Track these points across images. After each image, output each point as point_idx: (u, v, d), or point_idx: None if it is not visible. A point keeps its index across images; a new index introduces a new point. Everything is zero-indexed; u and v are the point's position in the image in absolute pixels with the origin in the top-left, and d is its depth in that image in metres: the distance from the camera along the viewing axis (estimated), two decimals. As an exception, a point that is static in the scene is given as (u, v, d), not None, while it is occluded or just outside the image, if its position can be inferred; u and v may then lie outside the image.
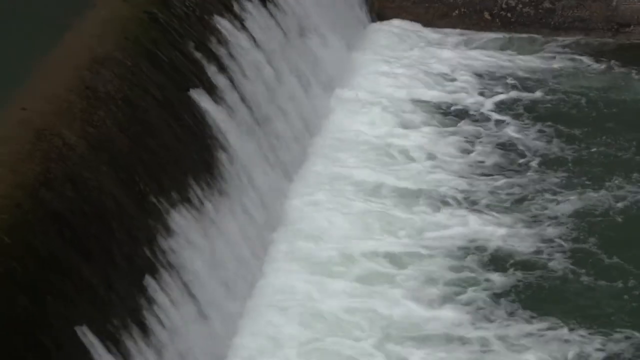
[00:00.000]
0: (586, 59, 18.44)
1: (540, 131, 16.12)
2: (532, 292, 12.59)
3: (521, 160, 15.39)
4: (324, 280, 12.42)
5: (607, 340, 11.73)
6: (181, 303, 10.68)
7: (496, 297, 12.45)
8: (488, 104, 16.94)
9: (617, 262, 13.04)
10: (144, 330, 9.96)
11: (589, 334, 11.83)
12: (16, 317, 8.67)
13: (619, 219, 13.96)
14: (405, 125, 16.05)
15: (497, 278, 12.72)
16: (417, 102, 16.77)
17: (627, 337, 11.76)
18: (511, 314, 12.16)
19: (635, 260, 13.01)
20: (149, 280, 10.36)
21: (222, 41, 13.99)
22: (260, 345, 11.31)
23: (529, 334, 11.87)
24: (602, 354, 11.55)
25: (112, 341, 9.46)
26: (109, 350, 9.36)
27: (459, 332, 11.83)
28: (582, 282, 12.73)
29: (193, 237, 11.35)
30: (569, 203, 14.21)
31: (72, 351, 9.00)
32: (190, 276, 10.99)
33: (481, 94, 17.21)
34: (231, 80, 13.63)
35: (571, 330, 11.87)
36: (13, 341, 8.50)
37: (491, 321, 12.02)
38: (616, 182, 14.68)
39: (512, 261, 13.09)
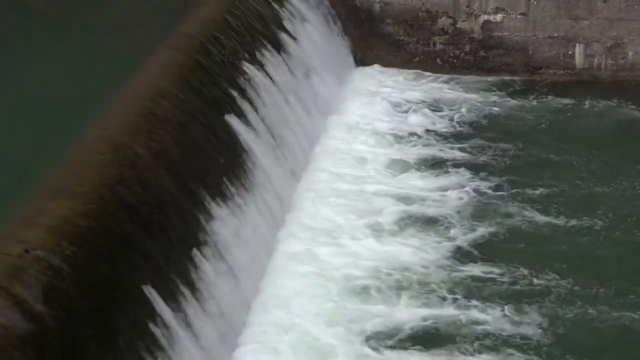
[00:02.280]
0: (508, 93, 18.36)
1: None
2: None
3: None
4: (320, 249, 12.37)
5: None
6: (218, 268, 10.64)
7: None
8: (438, 121, 16.97)
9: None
10: (192, 288, 9.92)
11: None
12: (100, 280, 8.67)
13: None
14: (379, 141, 16.02)
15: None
16: (387, 123, 16.72)
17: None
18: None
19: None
20: (195, 252, 10.33)
21: (248, 80, 13.95)
22: (275, 297, 11.26)
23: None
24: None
25: (169, 296, 9.44)
26: (167, 303, 9.34)
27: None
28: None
29: (227, 221, 11.30)
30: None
31: (139, 304, 9.00)
32: (225, 249, 10.94)
33: (431, 118, 17.17)
34: (255, 108, 13.59)
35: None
36: (98, 298, 8.50)
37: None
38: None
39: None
